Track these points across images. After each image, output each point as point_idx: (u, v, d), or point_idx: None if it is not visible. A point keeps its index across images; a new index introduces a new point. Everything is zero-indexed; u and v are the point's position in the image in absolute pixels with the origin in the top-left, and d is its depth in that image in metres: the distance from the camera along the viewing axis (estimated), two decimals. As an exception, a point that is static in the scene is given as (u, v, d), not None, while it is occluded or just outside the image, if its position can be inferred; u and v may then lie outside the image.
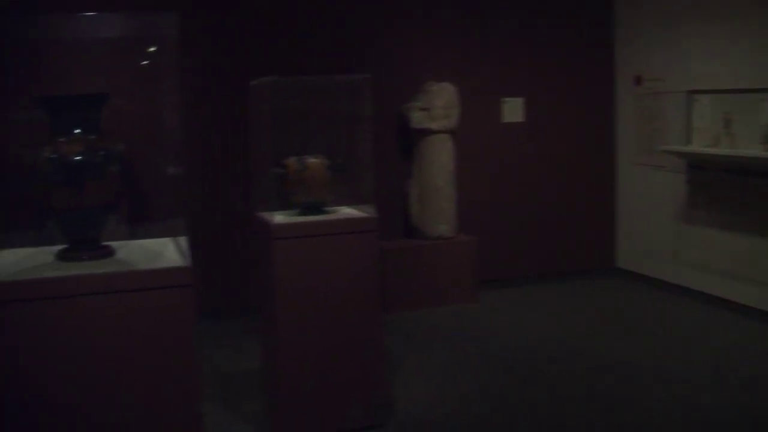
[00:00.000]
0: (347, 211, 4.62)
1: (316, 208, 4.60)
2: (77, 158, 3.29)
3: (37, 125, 3.51)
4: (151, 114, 3.90)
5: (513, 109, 7.95)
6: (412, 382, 5.36)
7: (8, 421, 3.09)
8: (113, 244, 3.63)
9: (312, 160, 4.55)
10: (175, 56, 3.32)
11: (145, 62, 3.93)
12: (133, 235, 3.89)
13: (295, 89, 4.56)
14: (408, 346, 6.12)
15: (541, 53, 7.95)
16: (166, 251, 3.61)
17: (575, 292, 7.68)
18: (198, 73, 6.70)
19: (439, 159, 7.34)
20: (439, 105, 7.29)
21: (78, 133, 3.39)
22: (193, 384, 3.29)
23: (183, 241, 3.36)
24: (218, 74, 6.84)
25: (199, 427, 3.28)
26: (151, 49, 3.82)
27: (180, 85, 3.39)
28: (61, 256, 3.46)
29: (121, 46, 3.94)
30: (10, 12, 5.81)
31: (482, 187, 7.84)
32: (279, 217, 4.42)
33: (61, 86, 4.65)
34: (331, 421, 4.48)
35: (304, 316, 4.36)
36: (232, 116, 6.73)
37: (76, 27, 3.80)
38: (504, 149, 7.90)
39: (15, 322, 3.09)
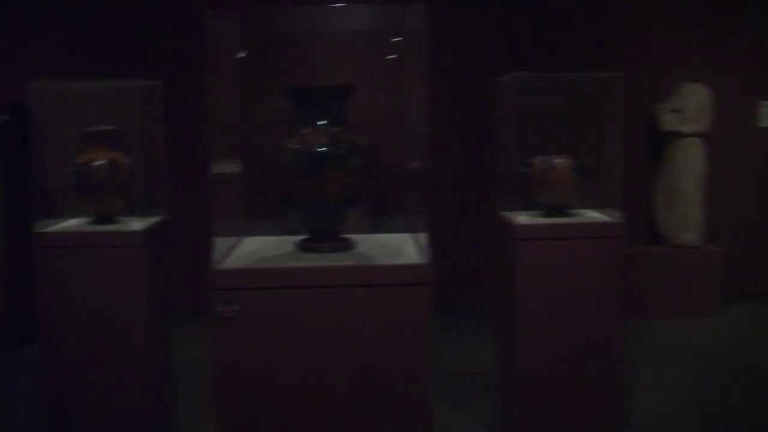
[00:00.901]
0: (592, 215, 4.31)
1: (560, 210, 4.32)
2: (321, 149, 3.20)
3: (284, 115, 3.47)
4: (396, 107, 3.78)
5: (772, 113, 7.30)
6: (648, 395, 5.02)
7: (236, 403, 3.09)
8: (353, 237, 3.55)
9: (558, 161, 4.27)
10: (423, 49, 3.16)
11: (392, 55, 3.81)
12: (373, 229, 3.80)
13: (543, 86, 4.29)
14: (646, 356, 5.75)
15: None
16: (406, 247, 3.48)
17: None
18: (445, 67, 6.56)
19: (689, 164, 6.85)
20: (691, 107, 6.80)
21: (323, 124, 3.30)
22: (423, 383, 3.14)
23: (423, 237, 3.18)
24: (465, 69, 6.68)
25: (428, 426, 3.13)
26: (397, 40, 3.69)
27: (427, 78, 3.21)
28: (302, 247, 3.40)
29: (369, 37, 3.84)
30: (260, 3, 5.90)
31: (734, 195, 7.24)
32: (522, 218, 4.18)
33: (308, 77, 4.68)
34: (564, 429, 4.18)
35: (543, 319, 4.13)
36: (478, 112, 6.54)
37: (325, 18, 3.74)
38: (759, 155, 7.24)
39: (256, 309, 3.07)
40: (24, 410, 4.76)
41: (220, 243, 3.21)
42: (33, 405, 4.44)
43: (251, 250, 3.48)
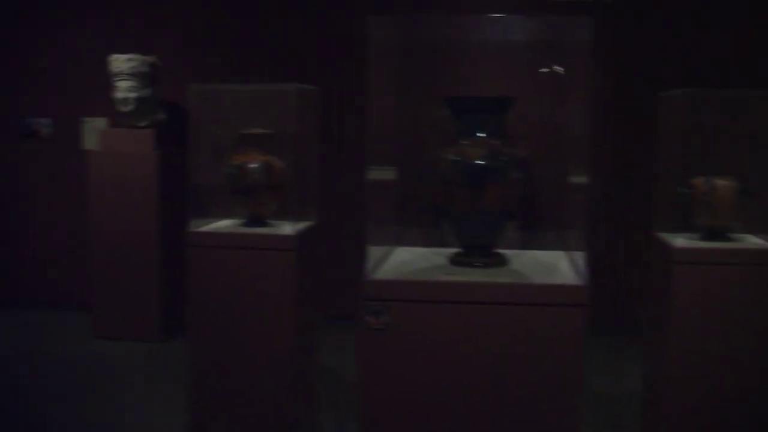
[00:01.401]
0: (754, 240, 4.04)
1: (720, 234, 4.06)
2: (480, 162, 3.09)
3: (441, 124, 3.37)
4: (557, 121, 3.63)
5: None
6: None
7: (381, 413, 3.04)
8: (506, 252, 3.41)
9: (721, 182, 4.02)
10: (588, 63, 3.00)
11: (552, 68, 3.66)
12: (524, 244, 3.64)
13: (708, 103, 4.05)
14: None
15: None
16: (561, 265, 3.34)
17: None
18: (607, 81, 6.32)
19: None
20: None
21: (482, 136, 3.17)
22: (573, 408, 3.00)
23: (578, 255, 3.04)
24: (627, 83, 6.39)
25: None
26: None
27: (591, 92, 3.06)
28: (454, 260, 3.29)
29: (530, 49, 3.71)
30: (419, 11, 5.84)
31: None
32: (680, 240, 3.95)
33: (466, 87, 4.57)
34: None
35: (698, 345, 3.91)
36: (638, 128, 6.26)
37: (485, 27, 3.63)
38: None
39: (406, 322, 2.99)
40: (169, 401, 4.82)
41: (372, 252, 3.13)
42: (177, 396, 4.53)
43: (402, 260, 3.40)
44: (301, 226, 4.17)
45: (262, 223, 4.27)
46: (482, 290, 3.01)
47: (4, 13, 6.82)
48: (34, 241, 6.90)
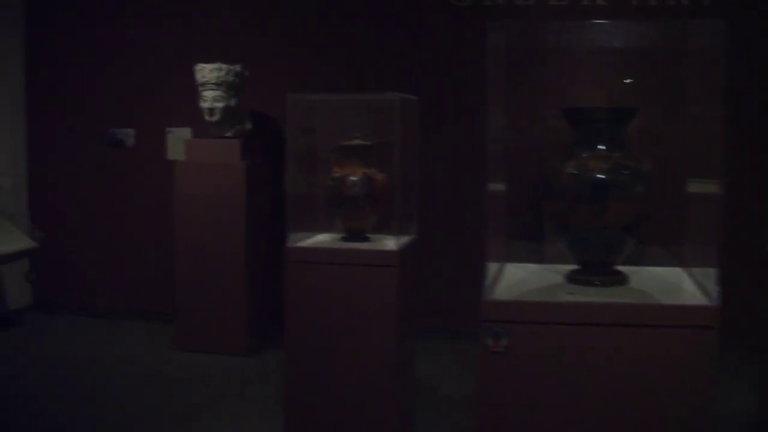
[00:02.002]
0: None
1: None
2: (601, 176, 2.98)
3: (558, 137, 3.29)
4: (681, 130, 3.50)
5: None
6: None
7: None
8: (625, 269, 3.29)
9: None
10: (721, 69, 2.88)
11: (676, 75, 3.55)
12: (640, 261, 3.46)
13: None
14: None
15: None
16: (683, 283, 3.23)
17: None
18: (736, 88, 5.95)
19: None
20: None
21: (602, 148, 3.06)
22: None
23: (700, 272, 3.01)
24: (757, 89, 6.06)
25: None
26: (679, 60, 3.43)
27: (723, 100, 2.93)
28: (572, 278, 3.19)
29: (654, 56, 3.60)
30: (540, 17, 5.75)
31: None
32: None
33: (581, 97, 4.46)
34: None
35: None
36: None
37: (607, 34, 3.53)
38: None
39: (525, 344, 2.91)
40: (258, 417, 4.80)
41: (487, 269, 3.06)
42: (268, 413, 4.55)
43: (518, 278, 3.32)
44: (404, 241, 4.13)
45: (362, 238, 4.26)
46: (606, 311, 2.90)
47: (89, 25, 6.94)
48: (119, 250, 6.97)
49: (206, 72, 5.91)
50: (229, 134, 6.08)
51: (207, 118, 5.96)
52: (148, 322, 6.76)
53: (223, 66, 5.92)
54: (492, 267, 3.27)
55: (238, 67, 6.00)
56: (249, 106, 6.25)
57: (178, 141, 6.51)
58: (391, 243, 4.09)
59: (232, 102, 5.97)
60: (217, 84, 5.90)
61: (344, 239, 4.27)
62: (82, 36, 6.89)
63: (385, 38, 6.37)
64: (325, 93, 4.37)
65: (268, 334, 6.15)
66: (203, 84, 5.94)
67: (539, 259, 3.58)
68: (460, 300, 5.10)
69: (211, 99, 5.90)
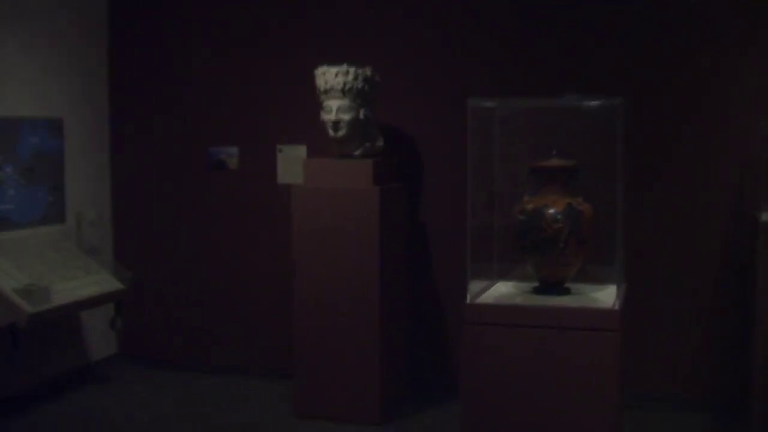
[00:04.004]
0: None
1: None
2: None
3: None
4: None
5: None
6: None
7: None
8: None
9: None
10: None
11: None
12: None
13: None
14: None
15: None
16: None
17: None
18: None
19: None
20: None
21: None
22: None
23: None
24: None
25: None
26: None
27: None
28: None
29: None
30: None
31: None
32: None
33: None
34: None
35: None
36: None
37: None
38: None
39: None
40: None
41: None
42: None
43: None
44: (613, 292, 3.75)
45: (560, 289, 3.81)
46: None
47: (177, 19, 6.58)
48: (221, 293, 6.58)
49: (330, 77, 5.39)
50: (357, 153, 5.55)
51: (331, 133, 5.44)
52: (258, 381, 6.38)
53: (351, 69, 5.39)
54: None
55: (368, 71, 5.47)
56: (380, 119, 5.78)
57: (291, 161, 6.17)
58: (601, 296, 3.71)
59: (362, 114, 5.44)
60: (343, 91, 5.38)
61: (537, 291, 3.88)
62: (169, 34, 6.60)
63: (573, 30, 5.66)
64: (507, 98, 3.81)
65: (407, 398, 5.84)
66: (326, 92, 5.43)
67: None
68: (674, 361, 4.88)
69: (335, 110, 5.39)
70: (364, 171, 5.43)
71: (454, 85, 5.76)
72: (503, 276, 4.09)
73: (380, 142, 5.66)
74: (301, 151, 6.16)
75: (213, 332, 6.61)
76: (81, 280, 5.72)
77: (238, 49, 6.40)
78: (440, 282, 5.89)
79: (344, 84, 5.37)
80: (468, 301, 3.68)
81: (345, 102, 5.38)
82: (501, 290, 3.95)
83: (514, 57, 5.73)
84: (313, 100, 5.57)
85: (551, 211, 3.63)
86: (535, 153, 3.85)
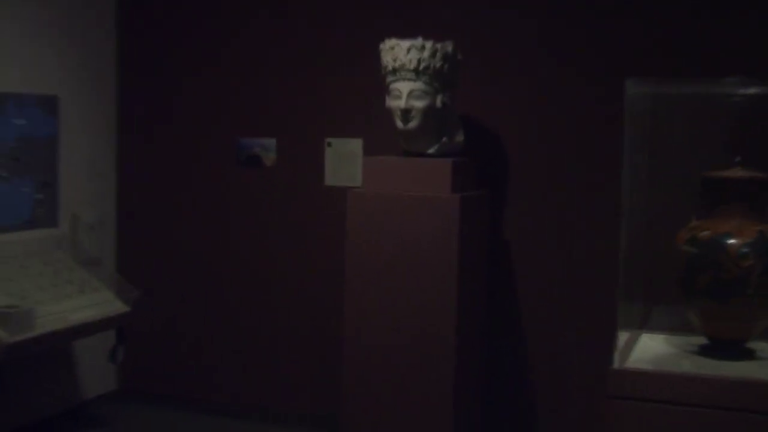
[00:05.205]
0: None
1: None
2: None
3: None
4: None
5: None
6: None
7: None
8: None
9: None
10: None
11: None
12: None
13: None
14: None
15: None
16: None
17: None
18: None
19: None
20: None
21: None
22: None
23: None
24: None
25: None
26: None
27: None
28: None
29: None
30: None
31: None
32: None
33: None
34: None
35: None
36: None
37: None
38: None
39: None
40: None
41: None
42: None
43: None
44: None
45: (738, 351, 3.29)
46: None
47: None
48: (249, 319, 6.28)
49: (400, 53, 4.97)
50: (431, 151, 5.19)
51: (399, 124, 5.05)
52: (293, 428, 6.11)
53: (428, 44, 4.99)
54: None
55: (449, 46, 5.05)
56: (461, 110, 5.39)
57: (343, 158, 5.86)
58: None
59: (439, 100, 5.04)
60: (417, 72, 4.98)
61: (705, 351, 3.35)
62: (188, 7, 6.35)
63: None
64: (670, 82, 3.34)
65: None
66: (394, 71, 5.02)
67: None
68: None
69: (406, 95, 4.99)
70: (440, 174, 5.03)
71: (559, 66, 5.30)
72: (646, 325, 3.63)
73: (460, 137, 5.24)
74: (356, 145, 5.85)
75: (234, 366, 6.38)
76: (75, 301, 5.47)
77: (276, 17, 6.08)
78: (526, 320, 5.46)
79: (419, 62, 4.96)
80: (615, 364, 3.11)
81: (419, 85, 4.98)
82: (653, 348, 3.42)
83: (654, 33, 5.20)
84: (372, 81, 5.30)
85: (735, 241, 3.07)
86: (697, 155, 3.44)
